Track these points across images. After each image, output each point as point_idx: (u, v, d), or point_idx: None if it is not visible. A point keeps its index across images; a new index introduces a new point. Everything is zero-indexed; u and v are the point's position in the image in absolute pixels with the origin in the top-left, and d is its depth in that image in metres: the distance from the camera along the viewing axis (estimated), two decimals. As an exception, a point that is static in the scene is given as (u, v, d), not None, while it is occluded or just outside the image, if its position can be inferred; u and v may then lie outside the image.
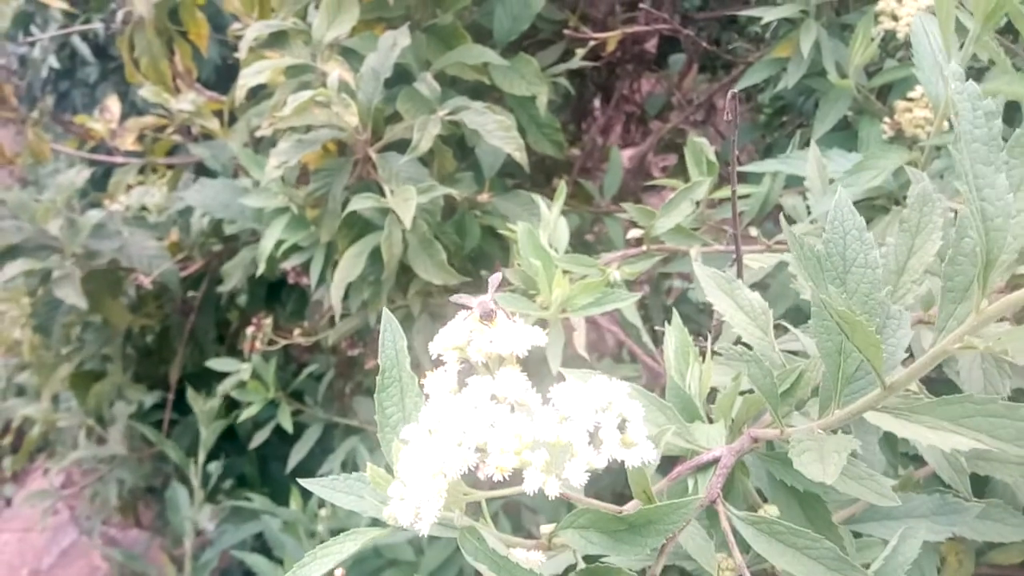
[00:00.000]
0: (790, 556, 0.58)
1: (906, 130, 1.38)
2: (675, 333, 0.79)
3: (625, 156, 2.24)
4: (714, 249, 1.26)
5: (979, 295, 0.53)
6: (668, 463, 0.78)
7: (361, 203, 1.45)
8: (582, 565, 0.60)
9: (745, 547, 0.65)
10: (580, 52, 1.80)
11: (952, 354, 0.55)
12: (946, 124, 1.30)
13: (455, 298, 0.60)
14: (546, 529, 0.58)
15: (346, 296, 1.73)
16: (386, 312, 0.58)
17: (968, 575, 1.13)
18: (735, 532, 0.61)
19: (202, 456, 2.23)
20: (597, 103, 2.38)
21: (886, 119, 1.42)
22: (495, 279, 0.63)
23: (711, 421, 0.73)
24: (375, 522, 0.56)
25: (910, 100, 1.37)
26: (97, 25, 2.73)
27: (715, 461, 0.65)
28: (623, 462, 0.49)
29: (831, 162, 1.36)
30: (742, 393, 0.77)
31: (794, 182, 1.54)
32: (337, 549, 0.52)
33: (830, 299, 0.51)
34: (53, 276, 1.84)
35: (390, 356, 0.57)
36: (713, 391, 0.81)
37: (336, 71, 1.47)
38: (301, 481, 0.59)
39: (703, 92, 2.13)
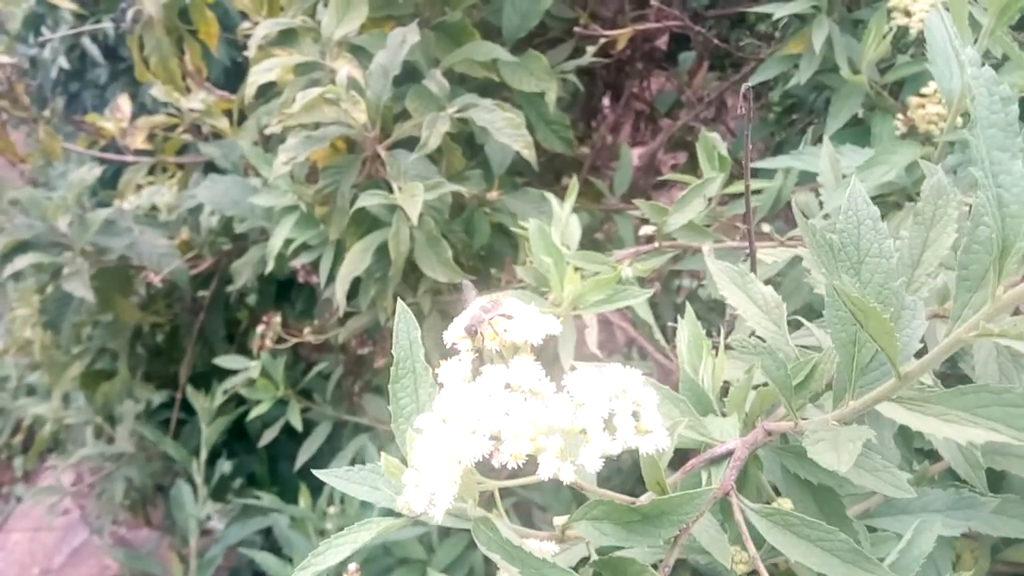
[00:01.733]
0: (804, 548, 0.57)
1: (919, 126, 1.37)
2: (688, 327, 0.79)
3: (635, 154, 2.23)
4: (727, 245, 1.25)
5: (995, 283, 0.53)
6: (680, 458, 0.78)
7: (369, 199, 1.45)
8: (595, 558, 0.60)
9: (759, 542, 0.65)
10: (591, 50, 1.79)
11: (967, 343, 0.55)
12: (959, 120, 1.30)
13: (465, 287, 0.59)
14: (559, 521, 0.58)
15: (356, 294, 1.73)
16: (400, 303, 0.57)
17: (983, 572, 1.12)
18: (749, 525, 0.60)
19: (204, 453, 2.23)
20: (606, 102, 2.37)
21: (899, 115, 1.41)
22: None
23: (724, 415, 0.73)
24: (388, 512, 0.56)
25: (923, 96, 1.37)
26: (107, 24, 2.74)
27: (729, 454, 0.65)
28: (635, 458, 0.49)
29: (844, 158, 1.35)
30: (755, 387, 0.77)
31: (806, 179, 1.53)
32: (352, 538, 0.52)
33: (844, 287, 0.50)
34: (63, 272, 1.85)
35: (404, 347, 0.57)
36: (726, 385, 0.81)
37: (345, 68, 1.47)
38: (316, 472, 0.58)
39: (713, 90, 2.12)
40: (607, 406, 0.47)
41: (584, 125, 2.34)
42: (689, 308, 0.80)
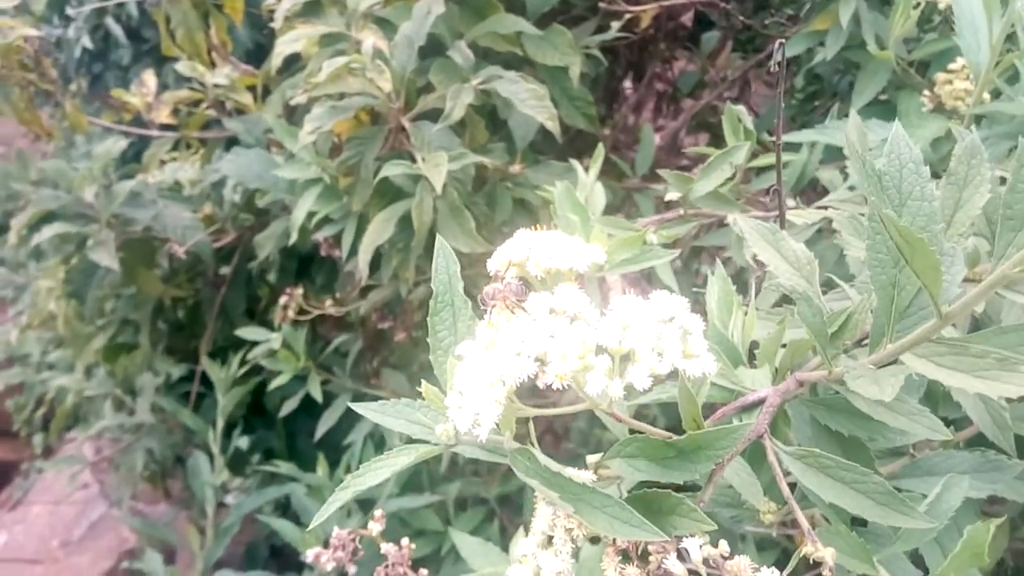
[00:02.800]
0: (839, 490, 0.57)
1: (946, 102, 1.37)
2: (718, 283, 0.79)
3: (656, 137, 2.23)
4: (752, 215, 1.25)
5: (1042, 216, 0.52)
6: (707, 415, 0.78)
7: (393, 169, 1.46)
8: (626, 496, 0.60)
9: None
10: (615, 25, 1.79)
11: (1012, 280, 0.55)
12: (986, 96, 1.29)
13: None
14: (592, 459, 0.58)
15: (378, 268, 1.74)
16: (439, 239, 0.58)
17: (1002, 549, 1.12)
18: (783, 469, 0.60)
19: (221, 422, 2.25)
20: (628, 85, 2.36)
21: (925, 92, 1.41)
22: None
23: (754, 368, 0.73)
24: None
25: (950, 72, 1.36)
26: (130, 0, 2.76)
27: (760, 402, 0.65)
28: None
29: (869, 132, 1.34)
30: (783, 346, 0.77)
31: (830, 158, 1.53)
32: (391, 462, 0.53)
33: (891, 216, 0.50)
34: (88, 243, 1.86)
35: (443, 280, 0.58)
36: (754, 346, 0.81)
37: (371, 39, 1.48)
38: (352, 405, 0.59)
39: (737, 69, 2.11)
40: (655, 329, 0.47)
41: (606, 107, 2.34)
42: (720, 266, 0.80)
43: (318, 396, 2.05)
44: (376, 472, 0.53)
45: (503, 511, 1.94)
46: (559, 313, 0.49)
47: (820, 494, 0.57)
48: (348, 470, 1.95)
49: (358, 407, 0.58)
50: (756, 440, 0.63)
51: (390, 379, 2.05)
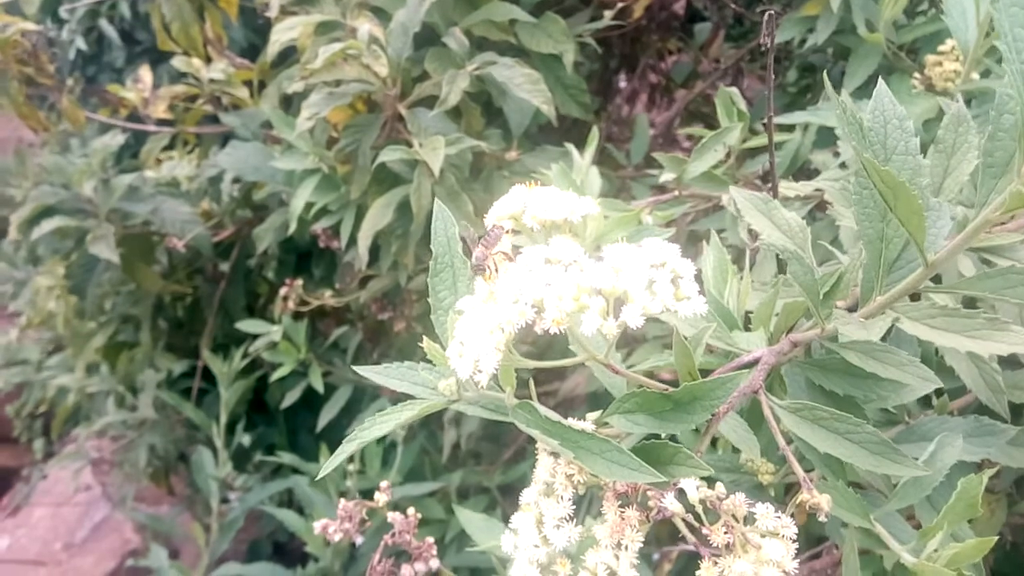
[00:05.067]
0: (833, 441, 0.59)
1: (936, 84, 1.38)
2: (713, 252, 0.80)
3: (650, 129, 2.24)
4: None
5: (1020, 162, 0.54)
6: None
7: (391, 154, 1.47)
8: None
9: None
10: (608, 14, 1.80)
11: (994, 223, 0.56)
12: (975, 76, 1.31)
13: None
14: (592, 416, 0.59)
15: (376, 258, 1.74)
16: (438, 203, 0.59)
17: (999, 524, 1.13)
18: (779, 425, 0.62)
19: (224, 416, 2.25)
20: (622, 79, 2.37)
21: (916, 75, 1.42)
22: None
23: (750, 331, 0.74)
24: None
25: (940, 54, 1.37)
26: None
27: (756, 361, 0.66)
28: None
29: (861, 114, 1.35)
30: (776, 315, 0.78)
31: (823, 143, 1.54)
32: (395, 416, 0.54)
33: (873, 161, 0.51)
34: (88, 238, 1.87)
35: (442, 243, 0.59)
36: (749, 316, 0.82)
37: (366, 25, 1.49)
38: (358, 368, 0.60)
39: (730, 58, 2.13)
40: (647, 273, 0.48)
41: (600, 100, 2.35)
42: (715, 235, 0.82)
43: (320, 386, 2.06)
44: (382, 424, 0.54)
45: (505, 500, 1.95)
46: (554, 263, 0.50)
47: (815, 445, 0.58)
48: (351, 460, 1.96)
49: (363, 370, 0.59)
50: (753, 401, 0.65)
51: (390, 369, 2.05)
